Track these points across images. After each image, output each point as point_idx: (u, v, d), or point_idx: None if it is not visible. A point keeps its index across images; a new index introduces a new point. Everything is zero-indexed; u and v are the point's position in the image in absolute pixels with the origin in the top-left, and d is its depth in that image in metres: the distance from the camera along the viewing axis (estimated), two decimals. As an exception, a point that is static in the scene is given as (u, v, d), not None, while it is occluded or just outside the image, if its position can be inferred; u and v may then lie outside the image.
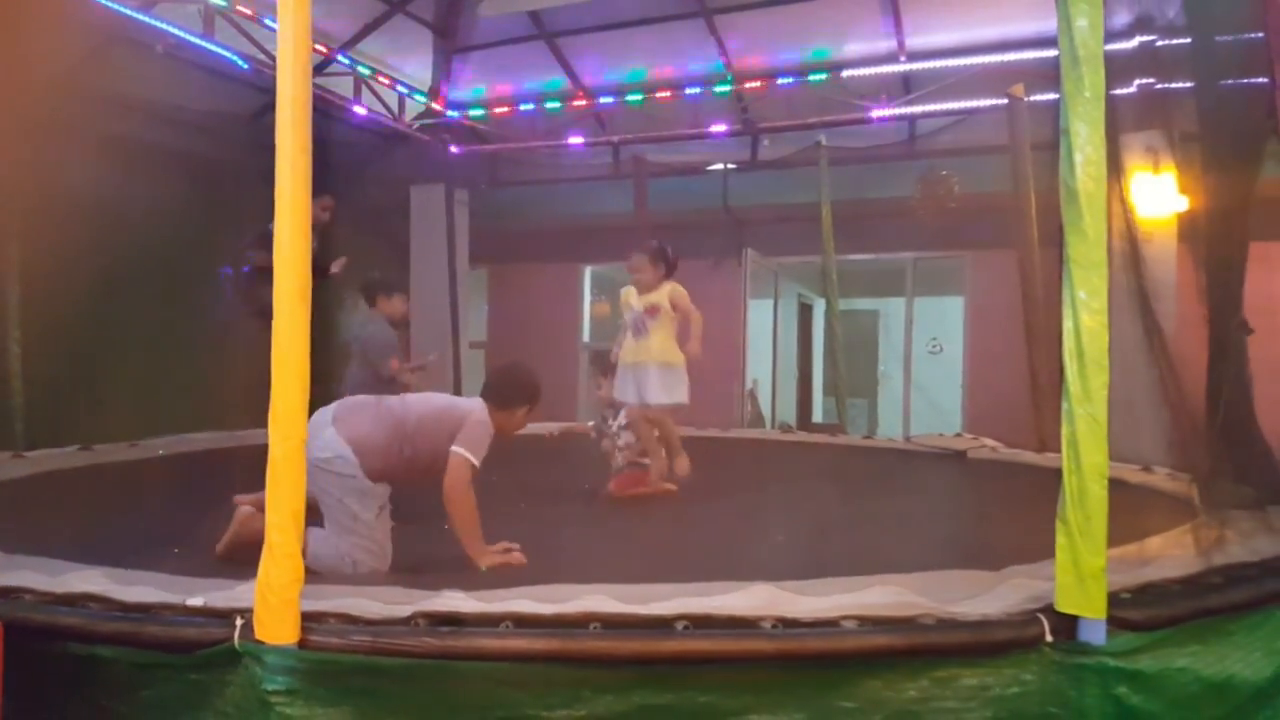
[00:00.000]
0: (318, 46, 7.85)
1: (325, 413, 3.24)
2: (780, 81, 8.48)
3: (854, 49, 8.26)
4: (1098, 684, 2.18)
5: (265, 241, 5.34)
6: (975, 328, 9.18)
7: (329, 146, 7.19)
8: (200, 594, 2.39)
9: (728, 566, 2.66)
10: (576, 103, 9.16)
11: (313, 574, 2.84)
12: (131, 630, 2.27)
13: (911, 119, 8.63)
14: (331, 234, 5.70)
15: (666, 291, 4.65)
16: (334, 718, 2.10)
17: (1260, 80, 3.36)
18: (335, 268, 5.55)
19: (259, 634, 2.13)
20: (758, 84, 8.60)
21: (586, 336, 10.67)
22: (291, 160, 2.10)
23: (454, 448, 3.16)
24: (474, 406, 3.33)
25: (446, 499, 3.16)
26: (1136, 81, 5.58)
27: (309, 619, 2.17)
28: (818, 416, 11.71)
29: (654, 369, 4.59)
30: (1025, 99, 6.83)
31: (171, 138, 7.18)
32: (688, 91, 8.70)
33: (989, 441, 6.45)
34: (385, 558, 3.21)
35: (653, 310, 4.65)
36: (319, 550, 3.09)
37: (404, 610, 2.24)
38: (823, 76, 8.32)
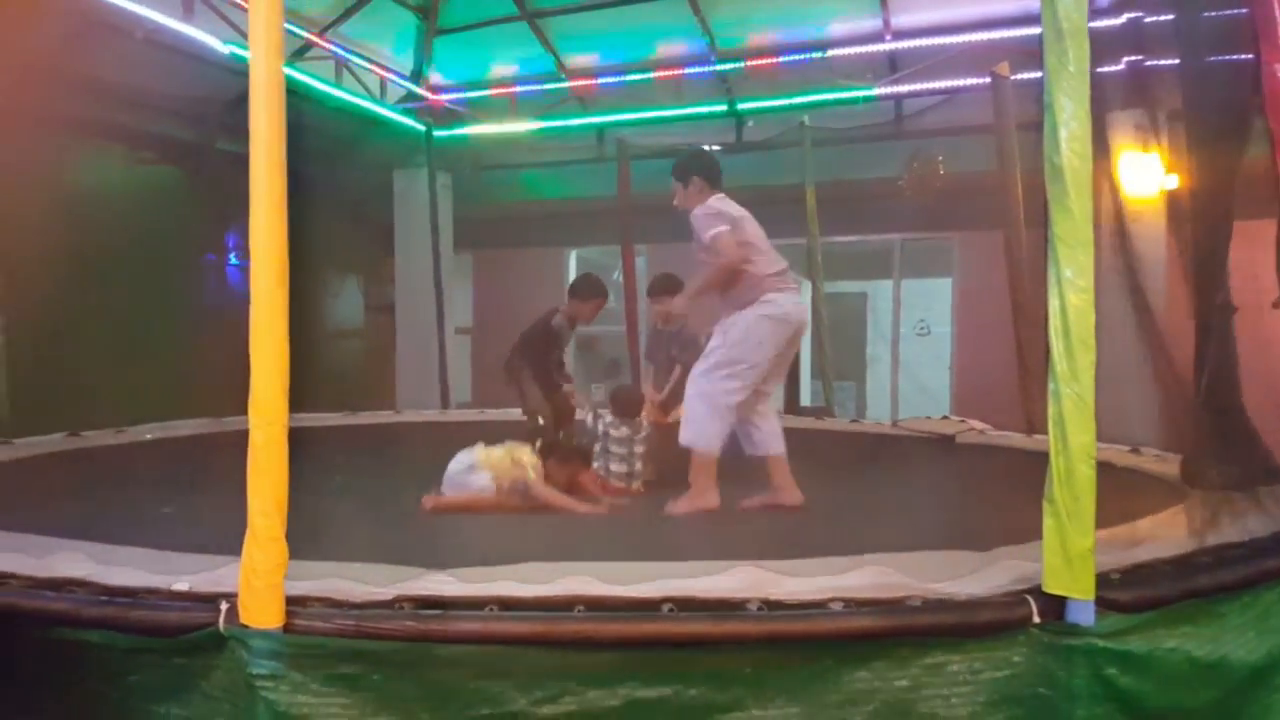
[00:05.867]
0: (299, 30, 7.77)
1: None
2: (765, 61, 8.43)
3: (839, 28, 8.21)
4: (1086, 665, 2.17)
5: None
6: (963, 309, 9.17)
7: (309, 131, 7.17)
8: (185, 578, 2.37)
9: (713, 548, 2.64)
10: (560, 84, 9.09)
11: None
12: (116, 615, 2.24)
13: (897, 99, 8.59)
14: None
15: None
16: (318, 702, 2.09)
17: (1245, 56, 3.34)
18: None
19: (244, 618, 2.12)
20: (741, 64, 8.54)
21: (573, 322, 10.60)
22: (266, 143, 2.06)
23: None
24: None
25: None
26: (1124, 59, 5.53)
27: (293, 603, 2.15)
28: (805, 399, 11.68)
29: None
30: (1009, 77, 6.79)
31: (153, 123, 7.10)
32: (671, 73, 8.65)
33: (976, 424, 6.42)
34: None
35: None
36: None
37: (388, 593, 2.23)
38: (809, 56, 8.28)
